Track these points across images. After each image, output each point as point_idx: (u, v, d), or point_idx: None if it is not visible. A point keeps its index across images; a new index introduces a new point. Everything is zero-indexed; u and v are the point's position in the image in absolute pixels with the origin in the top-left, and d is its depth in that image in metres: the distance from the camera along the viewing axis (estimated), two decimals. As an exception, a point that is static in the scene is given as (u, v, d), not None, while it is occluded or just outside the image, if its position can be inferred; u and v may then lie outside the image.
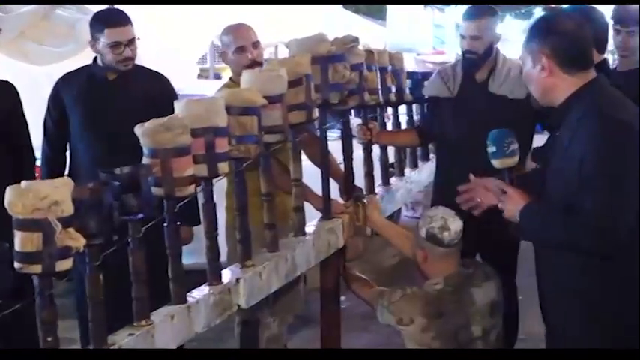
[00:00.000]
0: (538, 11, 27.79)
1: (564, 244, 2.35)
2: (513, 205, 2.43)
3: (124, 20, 3.52)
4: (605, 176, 2.22)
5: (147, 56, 3.63)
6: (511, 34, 21.49)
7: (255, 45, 3.43)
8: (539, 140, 3.27)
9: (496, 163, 2.55)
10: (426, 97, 3.98)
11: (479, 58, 3.71)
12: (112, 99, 3.56)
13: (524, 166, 3.18)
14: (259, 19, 4.20)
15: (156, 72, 3.78)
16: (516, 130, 2.67)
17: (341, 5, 11.84)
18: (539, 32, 2.44)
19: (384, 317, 2.97)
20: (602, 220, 2.22)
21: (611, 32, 3.72)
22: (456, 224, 2.92)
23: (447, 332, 2.87)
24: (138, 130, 2.22)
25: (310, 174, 3.16)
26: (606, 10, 3.64)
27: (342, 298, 3.37)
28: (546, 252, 2.51)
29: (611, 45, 3.64)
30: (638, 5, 3.43)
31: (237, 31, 3.47)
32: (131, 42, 3.50)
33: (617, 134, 2.25)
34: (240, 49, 3.41)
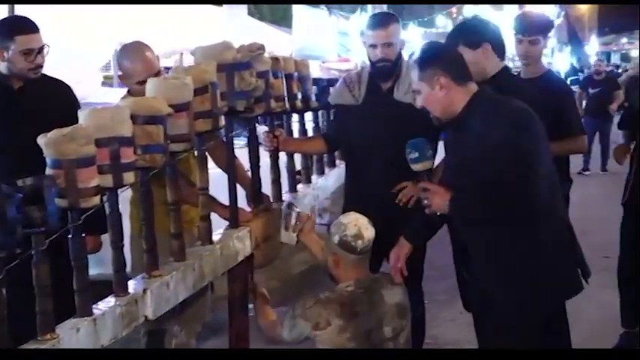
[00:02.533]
0: (440, 19, 28.62)
1: (494, 216, 2.75)
2: (440, 198, 2.80)
3: (35, 28, 3.44)
4: (524, 154, 2.66)
5: (49, 63, 3.52)
6: (414, 41, 22.05)
7: (158, 74, 3.32)
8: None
9: (418, 167, 2.90)
10: (332, 104, 4.01)
11: (392, 65, 3.71)
12: (18, 108, 3.46)
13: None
14: (165, 27, 4.15)
15: (59, 80, 3.69)
16: (422, 135, 2.94)
17: (246, 12, 11.83)
18: (430, 59, 2.83)
19: (297, 328, 2.95)
20: (525, 188, 2.66)
21: (513, 41, 3.86)
22: (369, 232, 2.98)
23: (362, 333, 2.91)
24: (41, 140, 2.18)
25: (217, 182, 3.16)
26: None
27: (250, 306, 3.36)
28: (469, 231, 2.92)
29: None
30: (540, 14, 3.57)
31: (143, 62, 3.28)
32: (41, 49, 3.43)
33: (524, 122, 2.72)
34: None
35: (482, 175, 2.73)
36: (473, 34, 3.33)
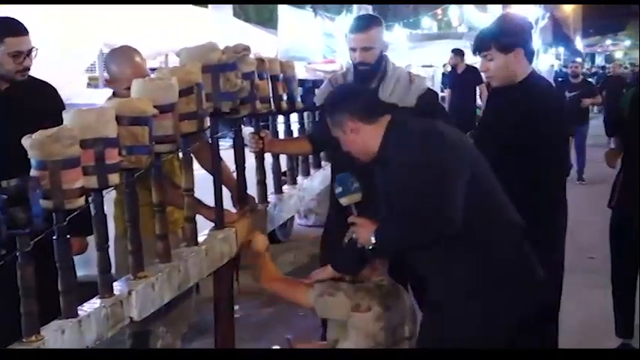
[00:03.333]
0: (425, 21, 28.69)
1: (416, 241, 2.71)
2: (366, 231, 2.77)
3: (25, 30, 3.44)
4: (428, 181, 2.60)
5: (35, 64, 3.52)
6: (400, 42, 22.11)
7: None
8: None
9: (344, 200, 2.90)
10: (317, 105, 4.02)
11: (372, 69, 3.76)
12: (4, 109, 3.45)
13: None
14: (150, 28, 4.14)
15: (44, 82, 3.69)
16: None
17: (232, 14, 11.82)
18: (336, 106, 2.89)
19: (335, 303, 2.96)
20: (438, 210, 2.57)
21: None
22: None
23: (391, 326, 2.95)
24: (25, 141, 2.17)
25: (202, 183, 3.16)
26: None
27: (236, 307, 3.37)
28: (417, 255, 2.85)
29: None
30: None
31: (132, 67, 3.28)
32: (30, 52, 3.43)
33: (429, 143, 2.68)
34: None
35: (402, 205, 2.70)
36: (506, 37, 3.32)
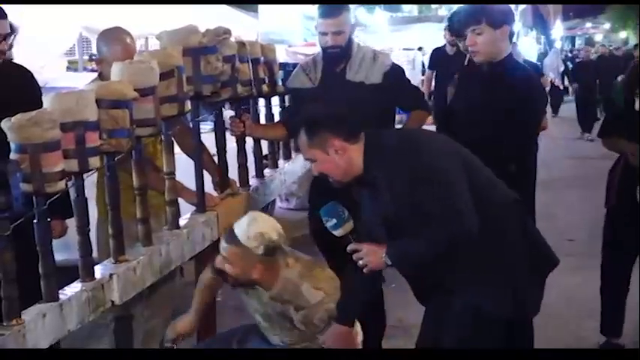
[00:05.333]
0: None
1: (434, 253, 2.64)
2: (375, 256, 2.69)
3: (3, 14, 3.39)
4: (438, 192, 2.57)
5: (13, 48, 3.49)
6: (381, 25, 22.04)
7: None
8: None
9: (340, 232, 2.78)
10: (289, 88, 4.03)
11: (342, 51, 3.81)
12: None
13: None
14: (129, 11, 4.12)
15: (21, 66, 3.65)
16: (376, 112, 3.05)
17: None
18: (318, 124, 2.71)
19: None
20: (457, 221, 2.55)
21: None
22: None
23: None
24: (5, 124, 2.16)
25: (183, 167, 3.15)
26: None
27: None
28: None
29: None
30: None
31: (123, 48, 3.28)
32: (6, 37, 3.39)
33: (427, 162, 2.62)
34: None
35: (408, 220, 2.65)
36: (497, 13, 3.46)
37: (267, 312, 3.03)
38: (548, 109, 10.87)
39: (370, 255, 2.70)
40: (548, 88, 11.21)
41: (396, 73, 3.91)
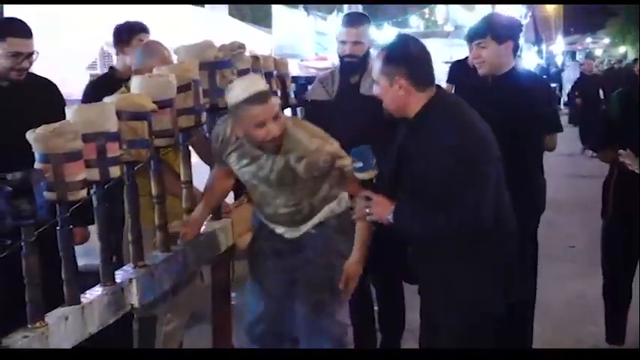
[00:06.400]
0: (414, 19, 28.86)
1: (438, 233, 2.75)
2: (382, 209, 2.80)
3: (29, 33, 3.49)
4: (475, 176, 2.66)
5: (37, 61, 3.59)
6: (388, 40, 22.03)
7: None
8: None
9: (364, 175, 2.87)
10: (308, 100, 4.12)
11: (359, 61, 3.90)
12: (4, 106, 3.52)
13: None
14: (149, 27, 4.22)
15: (45, 79, 3.76)
16: (387, 127, 3.03)
17: (227, 13, 11.89)
18: (395, 58, 2.80)
19: None
20: (477, 208, 2.66)
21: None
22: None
23: None
24: (30, 135, 2.23)
25: (200, 172, 3.25)
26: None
27: (233, 294, 3.45)
28: (423, 246, 2.90)
29: None
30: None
31: (161, 60, 3.35)
32: (30, 55, 3.49)
33: (476, 145, 2.70)
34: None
35: (428, 188, 2.73)
36: (503, 28, 3.59)
37: (269, 177, 3.08)
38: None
39: (379, 206, 2.81)
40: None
41: None
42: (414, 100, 2.78)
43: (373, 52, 3.93)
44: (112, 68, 4.19)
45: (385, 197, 2.82)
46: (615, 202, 4.05)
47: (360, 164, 2.86)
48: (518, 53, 3.78)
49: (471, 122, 2.77)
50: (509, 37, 3.57)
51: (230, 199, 3.61)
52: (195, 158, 3.32)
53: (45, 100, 3.58)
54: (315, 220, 3.20)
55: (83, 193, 2.32)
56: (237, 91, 2.90)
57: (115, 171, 2.45)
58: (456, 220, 2.68)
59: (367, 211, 2.85)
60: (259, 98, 2.89)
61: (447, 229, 2.71)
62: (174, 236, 2.97)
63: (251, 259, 3.36)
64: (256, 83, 2.94)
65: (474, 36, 3.59)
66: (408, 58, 2.80)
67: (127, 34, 4.17)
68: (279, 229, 3.26)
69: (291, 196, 3.13)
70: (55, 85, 3.76)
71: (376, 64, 2.84)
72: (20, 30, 3.50)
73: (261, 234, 3.33)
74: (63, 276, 2.33)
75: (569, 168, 10.92)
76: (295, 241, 3.24)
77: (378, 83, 2.84)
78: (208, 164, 3.35)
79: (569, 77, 16.09)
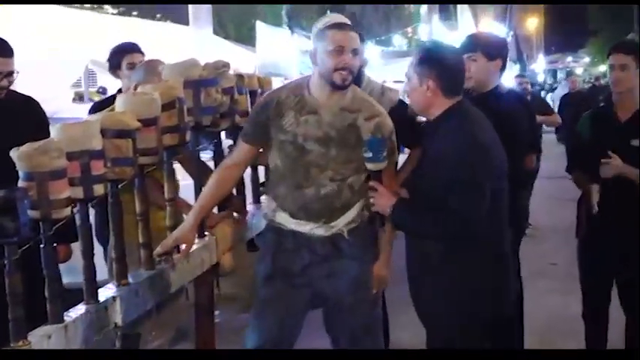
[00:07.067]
0: (397, 38, 29.16)
1: (432, 233, 2.87)
2: (385, 200, 2.93)
3: (9, 52, 3.49)
4: (470, 183, 2.76)
5: (22, 79, 3.59)
6: (372, 58, 22.28)
7: None
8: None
9: (372, 166, 3.00)
10: None
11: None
12: None
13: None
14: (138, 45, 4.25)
15: (26, 96, 3.76)
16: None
17: (212, 31, 11.93)
18: (429, 60, 2.92)
19: None
20: (466, 215, 2.76)
21: None
22: None
23: None
24: (13, 153, 2.24)
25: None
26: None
27: (216, 312, 3.45)
28: (417, 243, 2.99)
29: None
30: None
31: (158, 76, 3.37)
32: (10, 74, 3.49)
33: (478, 152, 2.80)
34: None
35: (430, 188, 2.84)
36: (492, 46, 3.67)
37: (329, 134, 3.04)
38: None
39: (382, 198, 2.95)
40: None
41: (401, 110, 3.91)
42: (439, 104, 2.90)
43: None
44: (119, 90, 4.17)
45: (390, 190, 2.95)
46: (588, 220, 4.01)
47: (370, 154, 2.97)
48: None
49: (482, 132, 2.87)
50: (498, 56, 3.65)
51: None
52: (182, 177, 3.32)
53: (26, 117, 3.57)
54: (350, 215, 3.11)
55: (67, 211, 2.32)
56: (328, 18, 3.03)
57: (99, 189, 2.45)
58: (441, 223, 2.80)
59: (371, 201, 2.98)
60: (342, 26, 3.01)
61: (433, 230, 2.84)
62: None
63: (262, 286, 3.22)
64: (340, 17, 3.08)
65: (464, 50, 3.61)
66: (442, 63, 2.92)
67: (115, 59, 4.15)
68: (307, 226, 3.11)
69: (344, 165, 3.06)
70: (36, 102, 3.75)
71: (411, 63, 2.97)
72: (1, 49, 3.50)
73: (279, 249, 3.18)
74: (46, 294, 2.32)
75: (552, 188, 10.94)
76: (326, 243, 3.12)
77: (409, 80, 2.97)
78: (199, 182, 3.35)
79: (560, 95, 16.16)
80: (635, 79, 3.79)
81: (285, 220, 3.15)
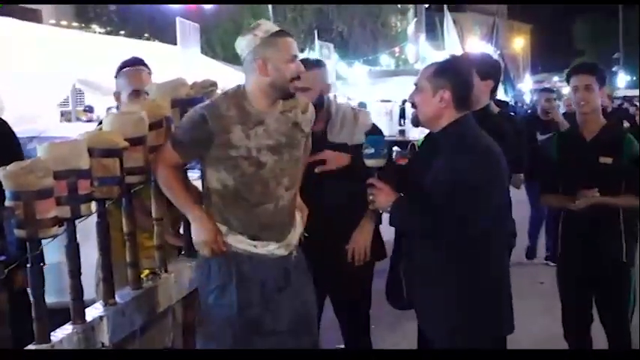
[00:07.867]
0: (384, 58, 29.33)
1: (428, 232, 2.89)
2: (385, 197, 2.95)
3: None
4: (472, 189, 2.79)
5: (9, 98, 3.58)
6: (360, 78, 22.44)
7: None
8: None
9: (372, 163, 3.02)
10: None
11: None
12: None
13: None
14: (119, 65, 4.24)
15: None
16: (361, 173, 3.05)
17: (199, 51, 11.96)
18: (447, 72, 2.94)
19: None
20: (466, 219, 2.79)
21: None
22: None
23: None
24: (0, 172, 2.24)
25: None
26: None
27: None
28: (417, 254, 3.01)
29: None
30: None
31: (133, 76, 3.49)
32: None
33: (490, 160, 2.87)
34: (136, 92, 3.43)
35: (434, 192, 2.84)
36: (486, 66, 3.74)
37: (279, 140, 2.93)
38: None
39: (382, 195, 2.96)
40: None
41: (377, 133, 3.65)
42: (448, 115, 2.92)
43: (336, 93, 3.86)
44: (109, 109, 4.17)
45: (389, 187, 2.96)
46: (564, 240, 4.04)
47: (372, 151, 3.02)
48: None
49: (493, 144, 2.92)
50: (490, 76, 3.70)
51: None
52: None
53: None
54: (298, 228, 3.06)
55: (54, 230, 2.32)
56: (268, 26, 2.93)
57: (86, 208, 2.45)
58: (440, 223, 2.81)
59: (370, 198, 2.98)
60: (289, 33, 2.96)
61: (430, 229, 2.86)
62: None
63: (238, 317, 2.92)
64: (271, 23, 3.03)
65: None
66: (459, 76, 2.95)
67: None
68: (269, 247, 2.94)
69: (295, 167, 3.02)
70: (4, 122, 3.72)
71: (423, 73, 2.98)
72: None
73: (244, 277, 2.92)
74: (33, 314, 2.30)
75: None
76: (284, 264, 2.98)
77: (419, 90, 2.96)
78: None
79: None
80: (599, 99, 3.91)
81: (242, 243, 2.93)
